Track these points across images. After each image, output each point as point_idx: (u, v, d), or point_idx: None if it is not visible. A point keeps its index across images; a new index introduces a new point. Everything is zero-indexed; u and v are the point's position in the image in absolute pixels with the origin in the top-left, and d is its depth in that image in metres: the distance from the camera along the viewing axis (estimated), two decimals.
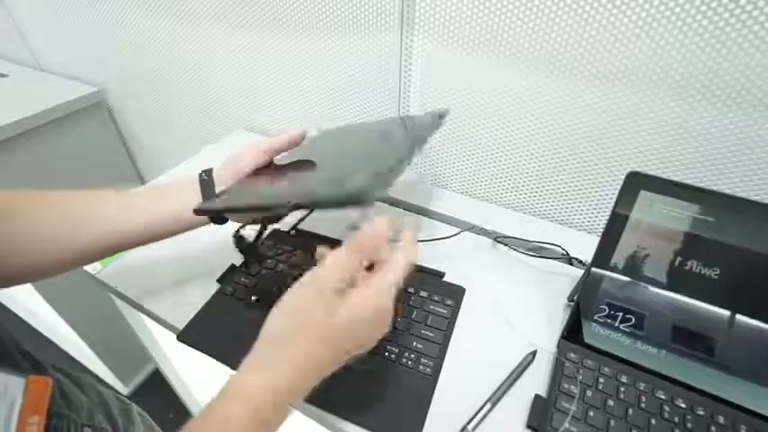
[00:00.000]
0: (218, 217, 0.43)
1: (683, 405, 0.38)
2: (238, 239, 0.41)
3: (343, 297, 0.29)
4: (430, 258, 0.54)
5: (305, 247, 0.54)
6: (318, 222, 0.56)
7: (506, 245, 0.57)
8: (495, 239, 0.58)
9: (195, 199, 0.41)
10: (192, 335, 0.45)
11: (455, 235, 0.57)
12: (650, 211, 0.41)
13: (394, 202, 0.64)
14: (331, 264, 0.30)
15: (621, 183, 0.42)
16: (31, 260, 0.38)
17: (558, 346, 0.44)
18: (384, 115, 0.69)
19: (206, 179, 0.42)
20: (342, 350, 0.30)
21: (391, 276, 0.30)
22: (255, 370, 0.28)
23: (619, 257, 0.43)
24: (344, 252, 0.30)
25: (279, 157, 0.47)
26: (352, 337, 0.30)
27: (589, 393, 0.39)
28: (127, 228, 0.40)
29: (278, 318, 0.29)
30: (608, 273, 0.44)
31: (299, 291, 0.30)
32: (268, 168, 0.46)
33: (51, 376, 0.33)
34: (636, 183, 0.41)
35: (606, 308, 0.44)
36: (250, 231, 0.43)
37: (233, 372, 0.28)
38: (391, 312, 0.30)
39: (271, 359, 0.28)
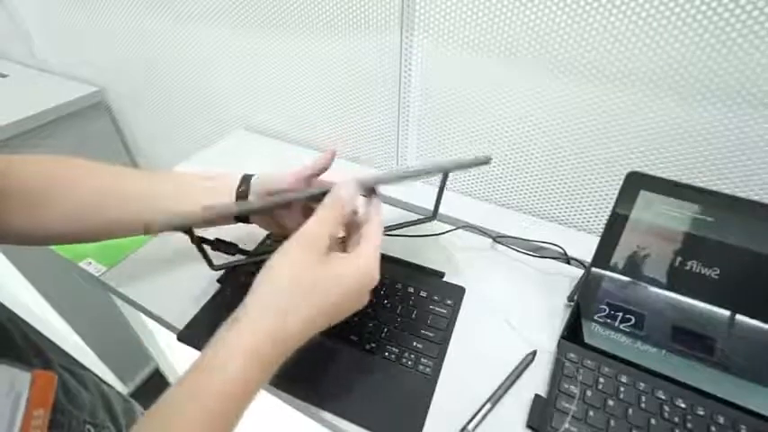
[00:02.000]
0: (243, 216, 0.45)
1: (682, 405, 0.38)
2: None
3: (332, 255, 0.30)
4: (430, 258, 0.54)
5: None
6: None
7: (506, 245, 0.57)
8: (494, 239, 0.58)
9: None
10: (192, 335, 0.45)
11: (451, 230, 0.58)
12: (650, 211, 0.41)
13: (394, 203, 0.64)
14: (315, 222, 0.31)
15: (621, 183, 0.42)
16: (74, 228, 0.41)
17: (558, 346, 0.44)
18: (384, 115, 0.69)
19: (243, 190, 0.44)
20: (330, 305, 0.30)
21: (375, 242, 0.32)
22: (264, 333, 0.28)
23: (619, 257, 0.43)
24: (324, 210, 0.31)
25: None
26: (341, 298, 0.30)
27: (589, 393, 0.39)
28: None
29: (268, 281, 0.29)
30: (608, 273, 0.44)
31: (289, 254, 0.30)
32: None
33: (56, 372, 0.34)
34: (636, 183, 0.41)
35: (606, 308, 0.44)
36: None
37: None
38: (377, 277, 0.32)
39: (263, 322, 0.28)
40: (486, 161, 0.42)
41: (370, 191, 0.36)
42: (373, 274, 0.31)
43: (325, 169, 0.44)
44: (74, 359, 0.40)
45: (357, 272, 0.31)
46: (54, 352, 0.38)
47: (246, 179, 0.45)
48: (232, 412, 0.26)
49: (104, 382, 0.45)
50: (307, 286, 0.29)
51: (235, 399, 0.26)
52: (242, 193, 0.44)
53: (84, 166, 0.42)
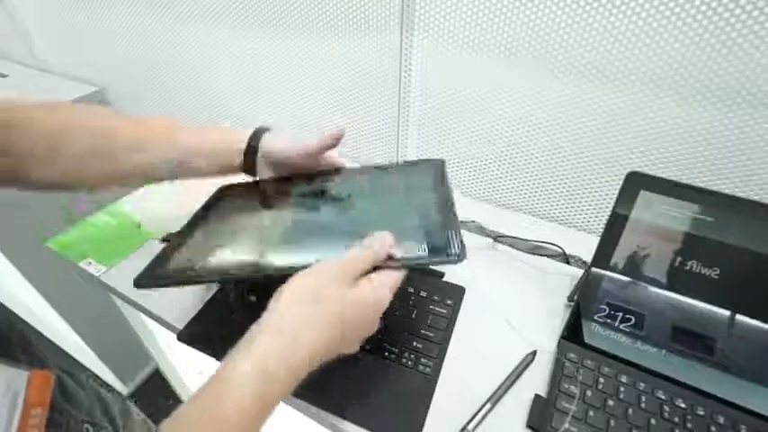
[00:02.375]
0: (250, 169, 0.50)
1: (682, 405, 0.38)
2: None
3: (353, 286, 0.32)
4: None
5: None
6: None
7: (506, 245, 0.57)
8: (494, 239, 0.58)
9: (236, 162, 0.49)
10: (191, 335, 0.45)
11: None
12: (650, 211, 0.41)
13: None
14: (353, 258, 0.33)
15: (621, 183, 0.42)
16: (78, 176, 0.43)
17: (558, 346, 0.44)
18: (384, 115, 0.69)
19: (253, 149, 0.49)
20: (351, 333, 0.32)
21: (395, 275, 0.33)
22: (276, 353, 0.29)
23: (619, 257, 0.43)
24: (378, 243, 0.33)
25: None
26: (355, 319, 0.32)
27: (589, 393, 0.39)
28: (167, 166, 0.46)
29: (294, 293, 0.31)
30: (608, 273, 0.44)
31: (318, 272, 0.32)
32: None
33: (53, 372, 0.34)
34: (636, 183, 0.41)
35: (606, 308, 0.44)
36: None
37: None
38: (386, 307, 0.33)
39: (292, 343, 0.30)
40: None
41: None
42: (384, 299, 0.33)
43: (330, 147, 0.47)
44: (73, 359, 0.40)
45: (372, 298, 0.32)
46: (52, 352, 0.38)
47: (257, 136, 0.50)
48: (248, 426, 0.28)
49: (102, 384, 0.45)
50: (323, 310, 0.30)
51: (251, 412, 0.28)
52: (251, 151, 0.49)
53: (92, 110, 0.46)
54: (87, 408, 0.38)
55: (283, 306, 0.30)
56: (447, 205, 0.39)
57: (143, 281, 0.39)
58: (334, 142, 0.46)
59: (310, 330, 0.30)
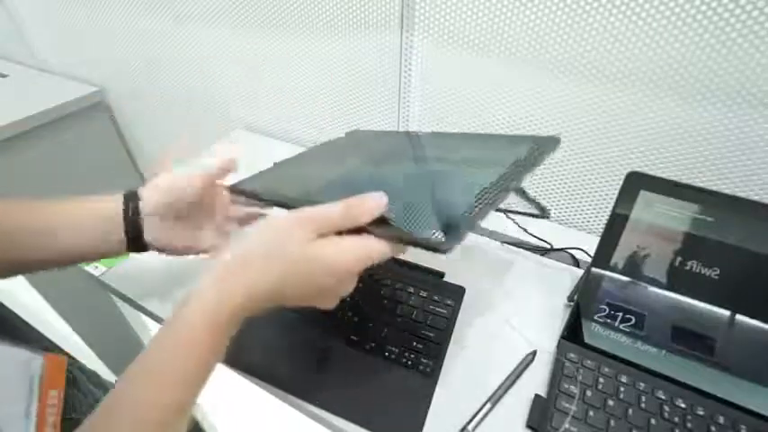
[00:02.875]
0: (137, 245, 0.39)
1: (682, 405, 0.38)
2: None
3: (324, 238, 0.29)
4: (430, 258, 0.54)
5: None
6: None
7: (506, 244, 0.57)
8: (494, 239, 0.58)
9: (114, 238, 0.38)
10: None
11: None
12: (650, 211, 0.41)
13: None
14: (319, 212, 0.29)
15: (621, 183, 0.42)
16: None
17: (558, 346, 0.44)
18: (384, 115, 0.69)
19: (132, 214, 0.38)
20: (299, 286, 0.29)
21: (370, 246, 0.28)
22: (218, 286, 0.28)
23: (619, 257, 0.43)
24: (333, 208, 0.29)
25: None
26: (297, 283, 0.29)
27: (589, 393, 0.39)
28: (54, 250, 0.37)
29: (256, 234, 0.29)
30: (608, 273, 0.44)
31: (281, 218, 0.29)
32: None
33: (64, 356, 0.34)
34: (636, 183, 0.41)
35: (606, 308, 0.44)
36: None
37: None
38: (346, 278, 0.29)
39: (240, 271, 0.28)
40: (557, 143, 0.35)
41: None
42: (354, 271, 0.29)
43: (227, 172, 0.42)
44: (73, 358, 0.40)
45: (335, 259, 0.28)
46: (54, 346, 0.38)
47: (131, 197, 0.38)
48: (194, 378, 0.27)
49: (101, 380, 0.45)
50: (285, 258, 0.28)
51: (199, 363, 0.27)
52: (133, 212, 0.38)
53: None
54: (92, 393, 0.38)
55: (235, 245, 0.29)
56: (491, 189, 0.31)
57: (233, 187, 0.40)
58: (230, 168, 0.42)
59: (244, 269, 0.28)
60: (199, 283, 0.29)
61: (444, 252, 0.26)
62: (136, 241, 0.38)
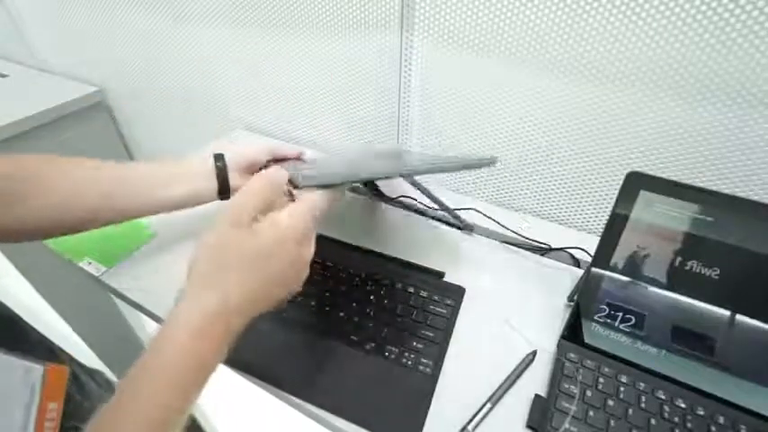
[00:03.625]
0: (223, 189, 0.49)
1: (682, 405, 0.38)
2: None
3: (260, 222, 0.30)
4: (430, 258, 0.54)
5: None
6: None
7: (506, 244, 0.57)
8: (494, 239, 0.58)
9: (211, 187, 0.48)
10: None
11: (451, 231, 0.57)
12: (650, 211, 0.41)
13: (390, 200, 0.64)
14: (244, 194, 0.30)
15: (621, 183, 0.42)
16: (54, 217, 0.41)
17: (558, 346, 0.44)
18: (384, 115, 0.69)
19: (221, 168, 0.49)
20: (274, 274, 0.30)
21: (312, 197, 0.32)
22: (189, 311, 0.28)
23: (619, 257, 0.43)
24: (257, 182, 0.31)
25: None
26: (281, 258, 0.30)
27: (589, 393, 0.39)
28: (144, 202, 0.45)
29: (202, 258, 0.29)
30: (608, 273, 0.44)
31: (217, 228, 0.30)
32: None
33: (67, 365, 0.34)
34: (636, 183, 0.41)
35: (606, 308, 0.44)
36: None
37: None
38: (313, 234, 0.31)
39: (203, 298, 0.28)
40: (492, 162, 0.42)
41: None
42: (305, 232, 0.30)
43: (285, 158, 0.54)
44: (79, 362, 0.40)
45: (285, 231, 0.30)
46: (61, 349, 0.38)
47: (219, 157, 0.49)
48: (189, 383, 0.27)
49: (108, 380, 0.45)
50: (237, 259, 0.29)
51: (190, 371, 0.27)
52: (220, 171, 0.49)
53: (56, 161, 0.43)
54: (99, 398, 0.38)
55: (191, 272, 0.30)
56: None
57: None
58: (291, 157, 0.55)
59: (206, 289, 0.29)
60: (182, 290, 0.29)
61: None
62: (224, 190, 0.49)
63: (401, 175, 0.48)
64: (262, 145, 0.53)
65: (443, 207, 0.57)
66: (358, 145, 0.64)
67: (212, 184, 0.49)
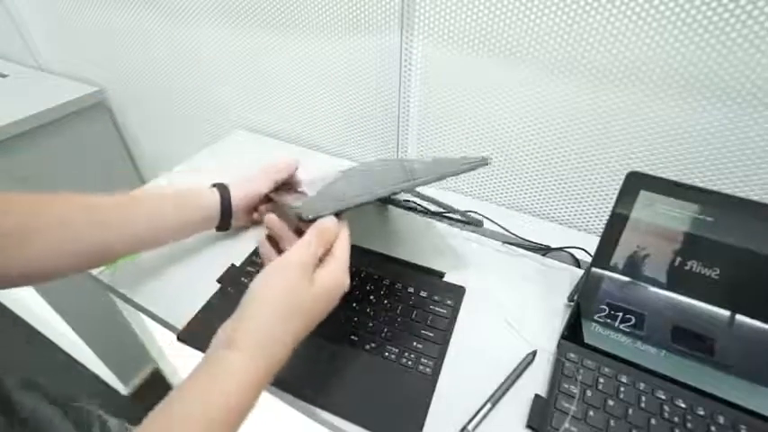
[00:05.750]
0: (224, 225, 0.51)
1: (682, 405, 0.38)
2: None
3: (317, 272, 0.34)
4: (430, 258, 0.54)
5: None
6: None
7: (506, 244, 0.57)
8: (494, 239, 0.58)
9: (214, 215, 0.49)
10: (192, 335, 0.45)
11: (451, 230, 0.57)
12: (650, 211, 0.41)
13: (394, 203, 0.64)
14: (305, 247, 0.35)
15: (621, 183, 0.42)
16: (54, 263, 0.39)
17: (558, 346, 0.44)
18: (384, 115, 0.69)
19: (225, 197, 0.50)
20: (322, 316, 0.35)
21: (345, 256, 0.37)
22: (256, 347, 0.31)
23: (619, 257, 0.43)
24: (313, 236, 0.36)
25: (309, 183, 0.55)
26: (323, 308, 0.35)
27: (589, 393, 0.39)
28: (150, 234, 0.45)
29: (269, 301, 0.32)
30: (608, 273, 0.44)
31: (286, 274, 0.33)
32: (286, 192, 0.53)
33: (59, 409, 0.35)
34: (636, 183, 0.41)
35: (606, 308, 0.44)
36: None
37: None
38: (348, 283, 0.36)
39: (270, 338, 0.31)
40: (485, 163, 0.43)
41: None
42: (344, 283, 0.36)
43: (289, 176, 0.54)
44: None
45: (334, 283, 0.35)
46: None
47: (222, 188, 0.50)
48: (233, 422, 0.29)
49: (103, 416, 0.44)
50: (301, 309, 0.33)
51: (235, 412, 0.29)
52: (226, 204, 0.50)
53: (56, 200, 0.40)
54: None
55: (257, 310, 0.32)
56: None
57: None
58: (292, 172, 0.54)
59: (284, 332, 0.32)
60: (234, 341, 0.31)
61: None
62: (224, 224, 0.51)
63: (411, 189, 0.48)
64: (261, 178, 0.52)
65: (447, 208, 0.57)
66: (351, 165, 0.63)
67: (214, 216, 0.50)
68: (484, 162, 0.43)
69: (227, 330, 0.31)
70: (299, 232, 0.39)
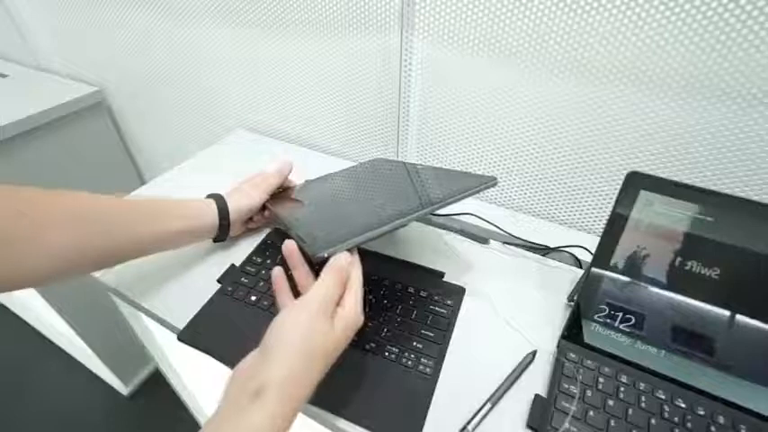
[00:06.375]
0: (221, 236, 0.52)
1: (683, 405, 0.38)
2: None
3: (336, 313, 0.35)
4: (430, 258, 0.54)
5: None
6: None
7: (506, 244, 0.57)
8: (495, 239, 0.58)
9: (214, 227, 0.50)
10: (192, 335, 0.45)
11: (451, 230, 0.57)
12: (650, 211, 0.41)
13: None
14: (327, 287, 0.35)
15: (621, 183, 0.42)
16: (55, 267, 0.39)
17: (558, 346, 0.44)
18: (384, 115, 0.69)
19: (223, 209, 0.50)
20: (335, 358, 0.35)
21: (359, 293, 0.37)
22: (283, 397, 0.31)
23: (619, 257, 0.43)
24: (331, 277, 0.36)
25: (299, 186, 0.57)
26: (342, 347, 0.35)
27: (589, 393, 0.39)
28: (151, 240, 0.45)
29: (299, 343, 0.32)
30: (608, 273, 0.44)
31: (308, 316, 0.34)
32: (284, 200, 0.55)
33: None
34: (636, 183, 0.41)
35: (606, 308, 0.44)
36: None
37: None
38: (362, 320, 0.37)
39: (296, 385, 0.31)
40: (493, 183, 0.45)
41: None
42: (360, 320, 0.37)
43: (281, 183, 0.55)
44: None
45: (351, 323, 0.36)
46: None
47: (219, 200, 0.51)
48: None
49: None
50: (324, 351, 0.33)
51: None
52: (224, 216, 0.50)
53: (65, 196, 0.40)
54: None
55: (283, 355, 0.32)
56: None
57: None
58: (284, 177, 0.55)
59: (309, 377, 0.32)
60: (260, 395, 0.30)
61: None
62: (222, 235, 0.52)
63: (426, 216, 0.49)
64: (255, 192, 0.53)
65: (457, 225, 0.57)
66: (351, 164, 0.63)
67: (214, 228, 0.50)
68: (494, 182, 0.45)
69: (255, 377, 0.31)
70: (307, 255, 0.39)
